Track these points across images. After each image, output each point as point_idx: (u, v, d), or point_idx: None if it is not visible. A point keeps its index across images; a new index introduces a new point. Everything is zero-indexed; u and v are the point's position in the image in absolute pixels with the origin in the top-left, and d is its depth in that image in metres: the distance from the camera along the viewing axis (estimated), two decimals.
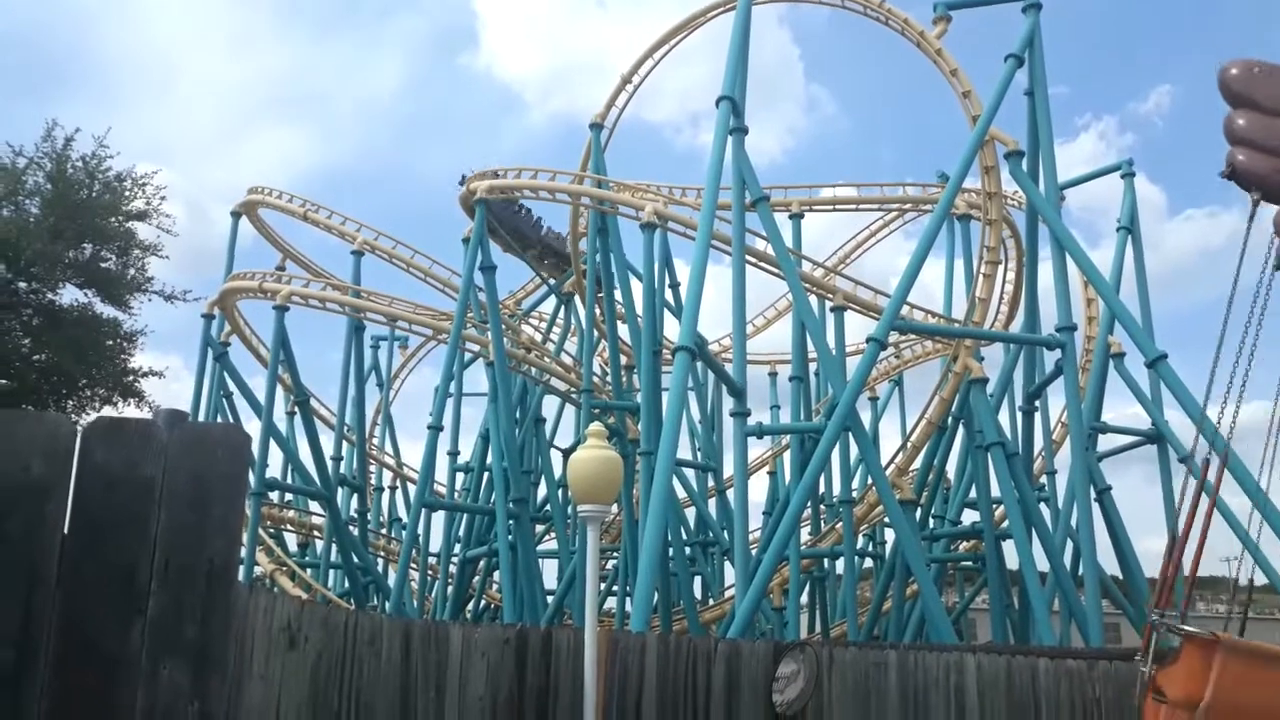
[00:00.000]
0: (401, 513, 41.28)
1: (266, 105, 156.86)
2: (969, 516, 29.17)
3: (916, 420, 28.19)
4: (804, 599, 30.23)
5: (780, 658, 8.59)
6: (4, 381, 20.24)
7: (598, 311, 30.68)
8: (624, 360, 31.02)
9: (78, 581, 2.48)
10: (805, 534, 28.22)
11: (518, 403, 31.95)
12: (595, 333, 30.95)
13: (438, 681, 6.52)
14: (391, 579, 32.10)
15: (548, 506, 32.52)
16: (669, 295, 30.98)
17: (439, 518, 31.81)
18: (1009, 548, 24.12)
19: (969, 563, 31.96)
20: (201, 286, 56.16)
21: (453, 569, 32.38)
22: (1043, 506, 25.86)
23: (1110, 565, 26.47)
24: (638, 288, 28.02)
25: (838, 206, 33.57)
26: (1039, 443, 27.24)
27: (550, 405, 36.07)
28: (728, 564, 30.61)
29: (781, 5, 31.23)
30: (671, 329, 28.03)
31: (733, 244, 21.76)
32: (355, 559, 31.31)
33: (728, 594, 28.97)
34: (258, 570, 29.56)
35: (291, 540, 36.86)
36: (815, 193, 33.24)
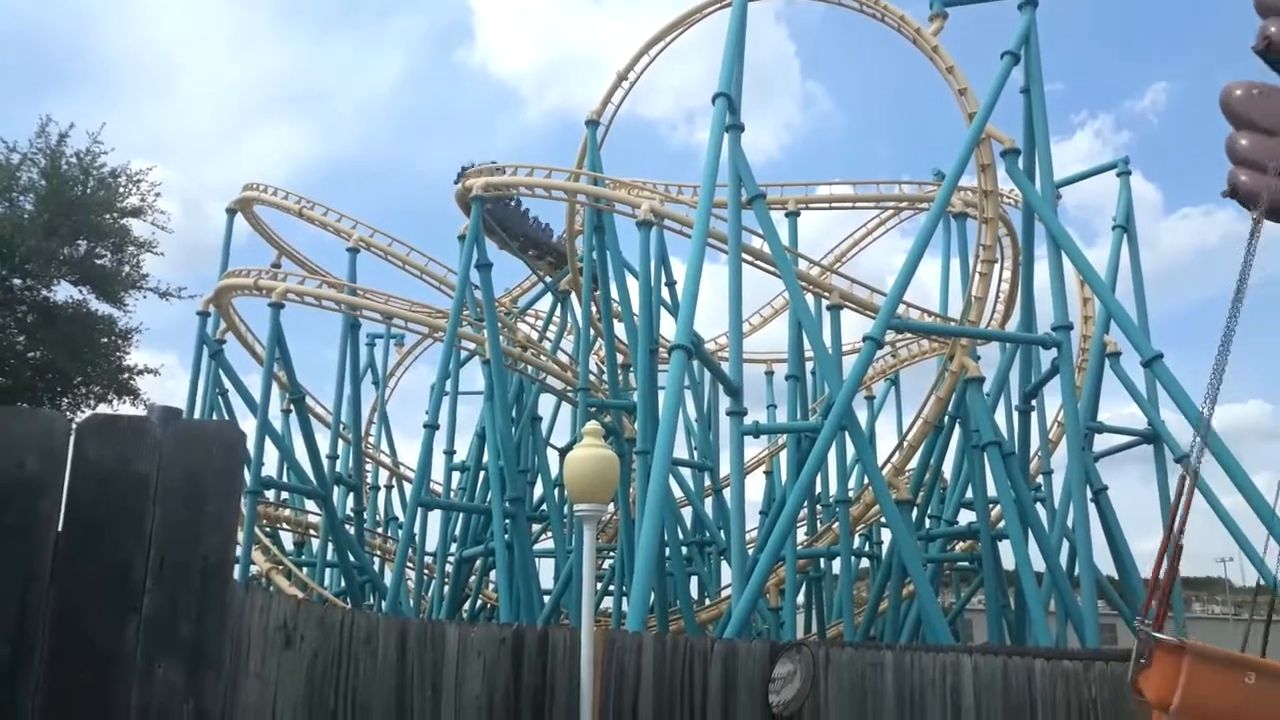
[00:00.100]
0: (398, 511, 41.27)
1: (264, 102, 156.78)
2: (965, 516, 29.19)
3: (913, 419, 28.19)
4: (800, 599, 30.25)
5: (777, 658, 8.58)
6: None
7: (594, 309, 30.67)
8: (620, 359, 31.00)
9: (72, 578, 2.46)
10: (802, 534, 28.21)
11: (514, 401, 31.94)
12: (592, 331, 30.93)
13: (434, 681, 6.50)
14: (388, 578, 32.12)
15: (544, 505, 32.51)
16: (665, 293, 30.96)
17: (435, 516, 31.83)
18: (1005, 548, 24.16)
19: (965, 563, 31.98)
20: (197, 284, 56.19)
21: (449, 568, 32.36)
22: (1039, 506, 25.87)
23: (1106, 566, 26.51)
24: (634, 285, 28.01)
25: (834, 204, 33.57)
26: (1035, 442, 27.26)
27: (546, 404, 36.11)
28: (724, 564, 30.61)
29: (778, 2, 31.47)
30: (668, 327, 28.05)
31: (729, 242, 21.75)
32: (351, 558, 31.28)
33: (724, 594, 28.96)
34: (254, 569, 29.53)
35: (288, 539, 36.86)
36: (811, 190, 33.23)
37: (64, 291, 21.02)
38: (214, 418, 30.17)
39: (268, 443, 31.00)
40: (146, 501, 2.55)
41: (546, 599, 29.22)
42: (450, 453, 33.83)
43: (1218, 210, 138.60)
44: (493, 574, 31.55)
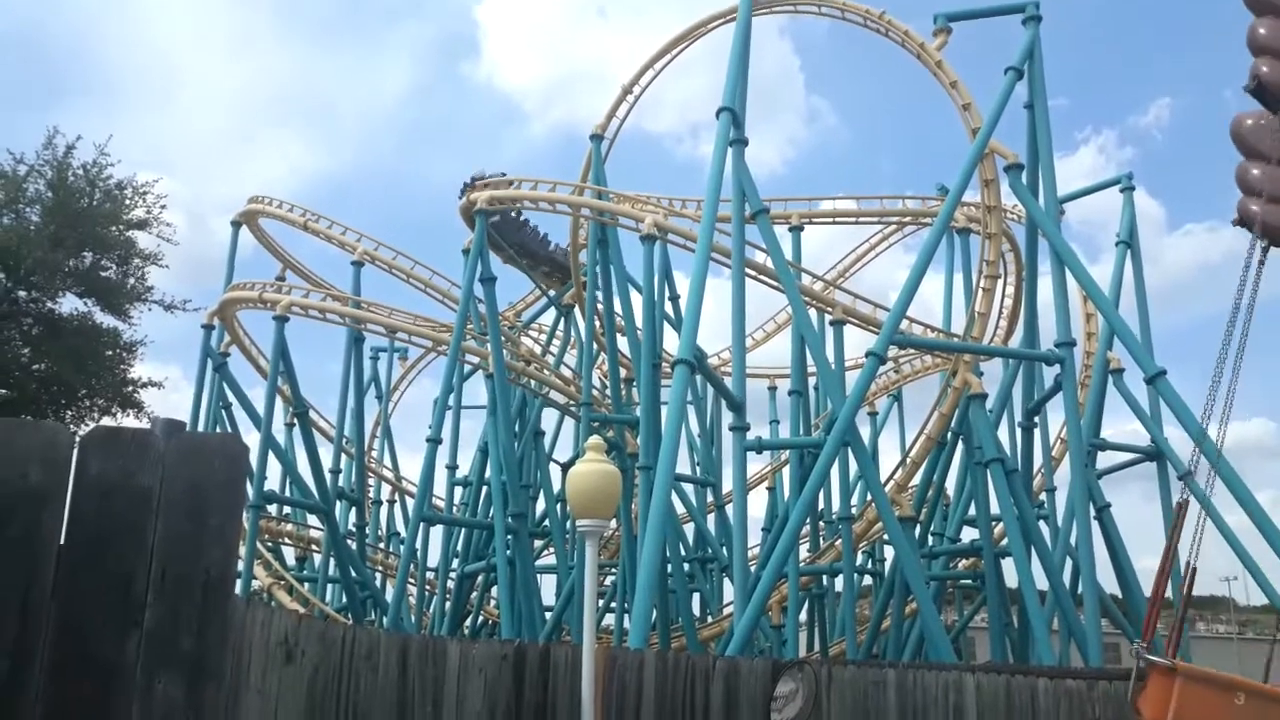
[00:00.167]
0: (400, 527, 41.19)
1: (268, 114, 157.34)
2: (968, 534, 29.11)
3: (916, 436, 28.17)
4: (803, 616, 30.15)
5: (779, 676, 8.55)
6: (3, 391, 20.21)
7: (597, 324, 30.68)
8: (623, 373, 30.99)
9: (74, 591, 2.46)
10: (804, 550, 28.13)
11: (517, 415, 31.90)
12: (595, 345, 30.94)
13: (435, 697, 6.48)
14: (389, 594, 32.03)
15: (546, 521, 32.45)
16: (669, 308, 30.99)
17: (437, 532, 31.78)
18: (1008, 565, 24.07)
19: (968, 581, 31.87)
20: (201, 296, 56.24)
21: (451, 584, 32.28)
22: (1042, 524, 25.80)
23: (1110, 584, 26.42)
24: (637, 300, 28.03)
25: (837, 219, 33.63)
26: (1038, 459, 27.21)
27: (549, 418, 36.06)
28: (726, 580, 30.54)
29: (782, 17, 31.37)
30: (671, 342, 28.03)
31: (732, 256, 21.76)
32: (353, 573, 31.22)
33: (726, 611, 28.88)
34: (255, 584, 29.47)
35: (289, 554, 36.77)
36: (815, 205, 33.28)
37: (69, 304, 21.10)
38: (217, 431, 30.18)
39: (271, 457, 30.99)
40: (149, 514, 2.54)
41: (548, 615, 29.13)
42: (453, 468, 33.80)
43: (1221, 227, 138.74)
44: (494, 590, 31.48)
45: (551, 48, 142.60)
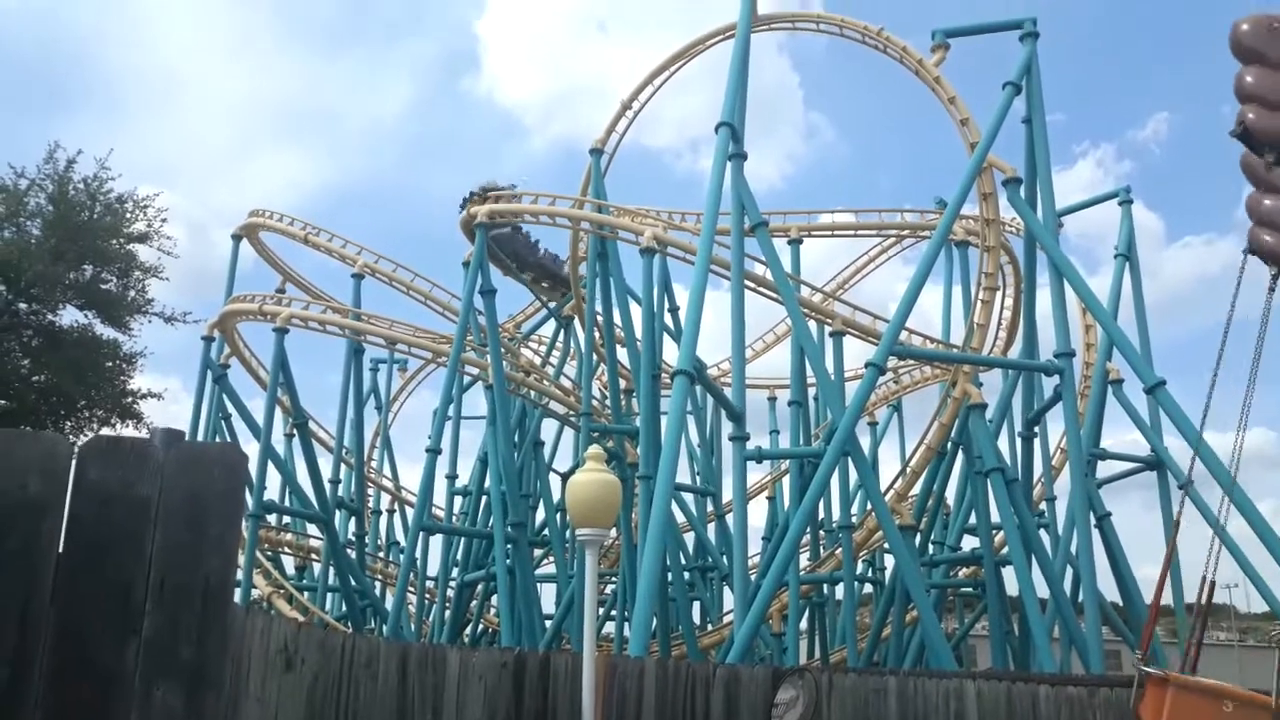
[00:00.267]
0: (399, 536, 41.15)
1: (269, 127, 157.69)
2: (969, 542, 29.09)
3: (916, 446, 28.16)
4: (803, 624, 30.10)
5: (779, 683, 8.55)
6: (3, 402, 20.25)
7: (597, 335, 30.71)
8: (623, 384, 31.01)
9: (73, 599, 2.48)
10: (804, 559, 28.11)
11: (516, 426, 31.92)
12: (594, 356, 30.97)
13: (434, 705, 6.49)
14: (389, 602, 31.99)
15: (546, 530, 32.43)
16: (668, 319, 31.02)
17: (437, 541, 31.73)
18: (1009, 574, 24.05)
19: (969, 589, 31.82)
20: (201, 308, 56.32)
21: (450, 593, 32.25)
22: (1042, 533, 25.80)
23: (1110, 592, 26.40)
24: (637, 312, 28.07)
25: (836, 232, 33.68)
26: (1038, 469, 27.20)
27: (549, 428, 36.08)
28: (726, 589, 30.49)
29: (781, 33, 31.45)
30: (670, 353, 28.05)
31: (732, 269, 21.81)
32: (353, 582, 31.19)
33: (726, 619, 28.83)
34: (255, 593, 29.45)
35: (289, 563, 36.73)
36: (814, 218, 33.35)
37: (69, 316, 21.15)
38: (217, 441, 30.16)
39: (270, 467, 31.00)
40: (148, 523, 2.56)
41: (548, 624, 29.11)
42: (452, 477, 33.75)
43: (1219, 240, 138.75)
44: (494, 599, 31.48)
45: (552, 63, 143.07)
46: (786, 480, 30.01)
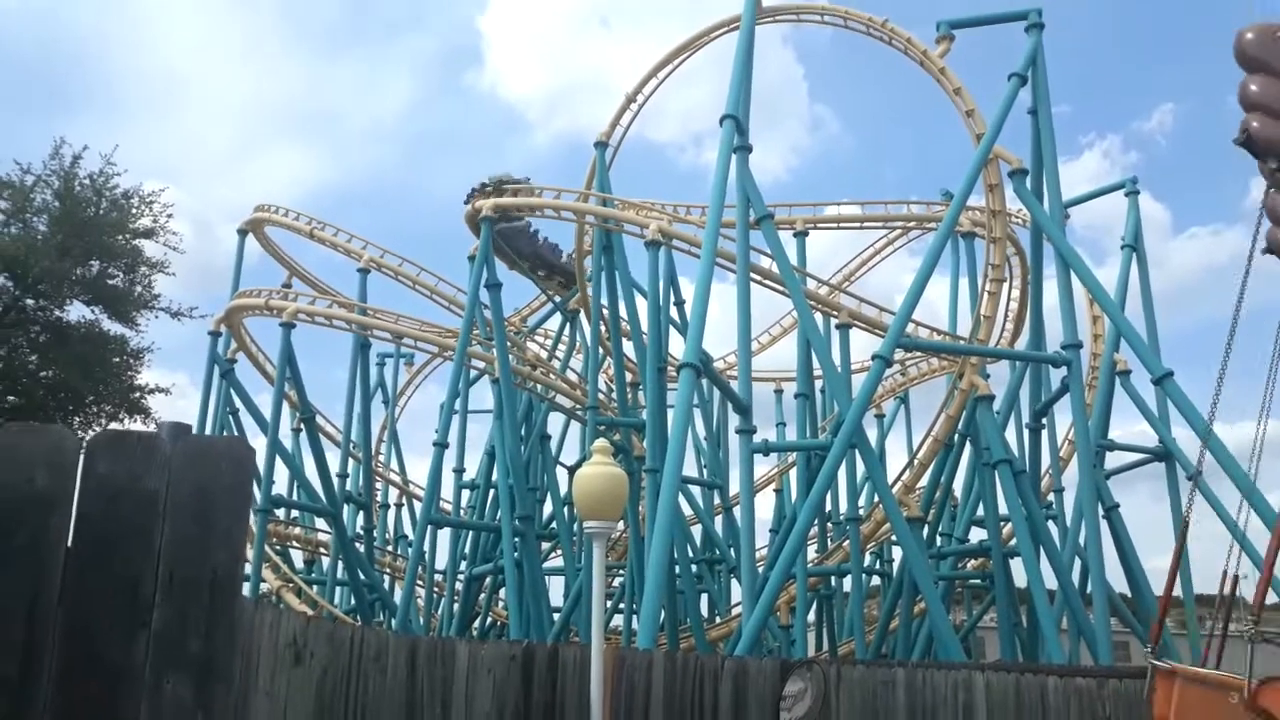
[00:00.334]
0: (407, 530, 41.22)
1: (273, 123, 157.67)
2: (976, 534, 29.06)
3: (923, 438, 28.14)
4: (811, 617, 30.12)
5: (787, 676, 8.55)
6: (11, 398, 20.30)
7: (603, 329, 30.72)
8: (629, 377, 31.01)
9: (81, 594, 2.47)
10: (812, 551, 28.11)
11: (523, 419, 31.94)
12: (600, 350, 30.98)
13: (444, 698, 6.50)
14: (398, 596, 32.06)
15: (553, 523, 32.48)
16: (674, 312, 31.00)
17: (445, 535, 31.78)
18: (1017, 565, 24.04)
19: (977, 580, 31.83)
20: (208, 304, 56.37)
21: (459, 586, 32.33)
22: (1050, 524, 25.75)
23: (1119, 583, 26.34)
24: (643, 305, 28.05)
25: (842, 224, 33.62)
26: (1046, 460, 27.15)
27: (556, 422, 36.09)
28: (734, 581, 30.52)
29: (785, 25, 31.36)
30: (677, 346, 28.05)
31: (737, 262, 21.78)
32: (361, 576, 31.26)
33: (734, 612, 28.86)
34: (264, 587, 29.53)
35: (298, 557, 36.84)
36: (820, 210, 33.32)
37: (76, 311, 21.19)
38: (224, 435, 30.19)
39: (278, 461, 31.05)
40: (155, 517, 2.56)
41: (556, 617, 29.15)
42: (460, 471, 33.81)
43: (1226, 230, 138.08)
44: (502, 592, 31.52)
45: (554, 57, 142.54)
46: (794, 473, 30.03)
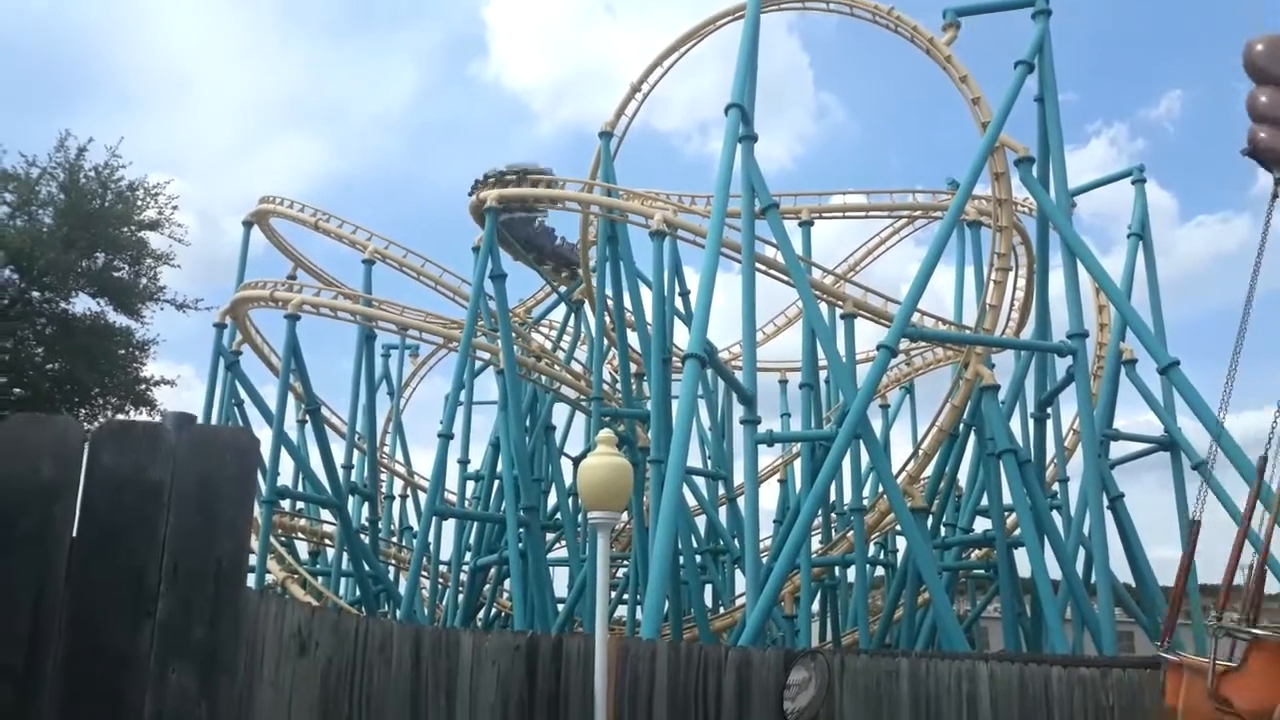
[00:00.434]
0: (412, 521, 41.33)
1: (278, 115, 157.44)
2: (981, 524, 29.05)
3: (928, 428, 28.08)
4: (815, 607, 30.13)
5: (791, 665, 8.56)
6: (17, 390, 20.36)
7: (607, 319, 30.71)
8: (634, 368, 31.01)
9: (86, 583, 2.49)
10: (816, 542, 28.13)
11: (528, 410, 31.98)
12: (605, 340, 30.97)
13: (448, 688, 6.51)
14: (402, 587, 32.14)
15: (558, 514, 32.51)
16: (679, 303, 30.99)
17: (449, 525, 31.84)
18: (1021, 555, 24.03)
19: (981, 570, 31.82)
20: (213, 295, 56.24)
21: (463, 577, 32.40)
22: (1055, 514, 25.75)
23: (1123, 573, 26.33)
24: (647, 295, 28.03)
25: (847, 214, 33.52)
26: (1051, 450, 27.12)
27: (560, 413, 36.14)
28: (738, 572, 30.52)
29: (790, 13, 31.29)
30: (681, 336, 28.06)
31: (742, 251, 21.76)
32: (366, 567, 31.34)
33: (738, 602, 28.88)
34: (269, 578, 29.63)
35: (303, 548, 36.94)
36: (825, 200, 33.22)
37: (82, 304, 21.26)
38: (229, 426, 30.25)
39: (283, 453, 31.13)
40: (160, 507, 2.57)
41: (561, 607, 29.20)
42: (465, 462, 33.85)
43: (1234, 218, 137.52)
44: (507, 583, 31.58)
45: (559, 47, 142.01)
46: (798, 463, 30.04)
